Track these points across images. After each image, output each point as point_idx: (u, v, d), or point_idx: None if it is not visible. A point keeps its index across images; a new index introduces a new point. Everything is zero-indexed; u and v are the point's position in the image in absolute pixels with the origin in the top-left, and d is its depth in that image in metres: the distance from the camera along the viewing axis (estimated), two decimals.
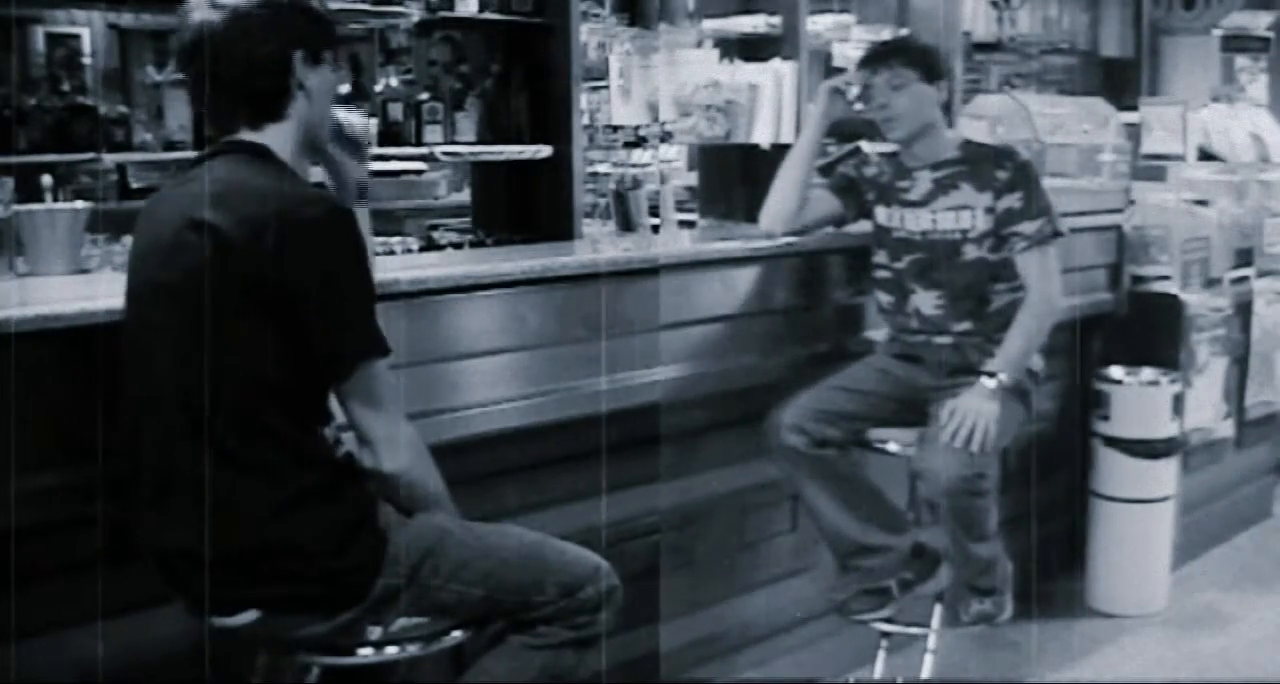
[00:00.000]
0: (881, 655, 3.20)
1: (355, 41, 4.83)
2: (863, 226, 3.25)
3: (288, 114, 1.99)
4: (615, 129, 4.76)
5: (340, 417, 2.02)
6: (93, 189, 4.15)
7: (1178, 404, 4.00)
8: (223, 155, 1.98)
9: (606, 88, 4.88)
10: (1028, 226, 3.02)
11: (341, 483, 1.98)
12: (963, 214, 3.05)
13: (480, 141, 4.41)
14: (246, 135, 1.99)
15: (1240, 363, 4.50)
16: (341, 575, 1.94)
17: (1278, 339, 4.67)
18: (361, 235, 1.94)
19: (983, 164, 3.07)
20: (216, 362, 1.88)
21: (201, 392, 1.89)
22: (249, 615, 1.93)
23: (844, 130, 3.77)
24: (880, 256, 3.16)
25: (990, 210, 3.03)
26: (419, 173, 6.22)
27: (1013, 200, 3.03)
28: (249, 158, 1.97)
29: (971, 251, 3.04)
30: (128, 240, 3.25)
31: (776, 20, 4.73)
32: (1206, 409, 4.33)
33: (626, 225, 4.69)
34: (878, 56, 3.13)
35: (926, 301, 3.08)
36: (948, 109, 3.15)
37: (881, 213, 3.17)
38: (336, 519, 1.94)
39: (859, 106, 3.19)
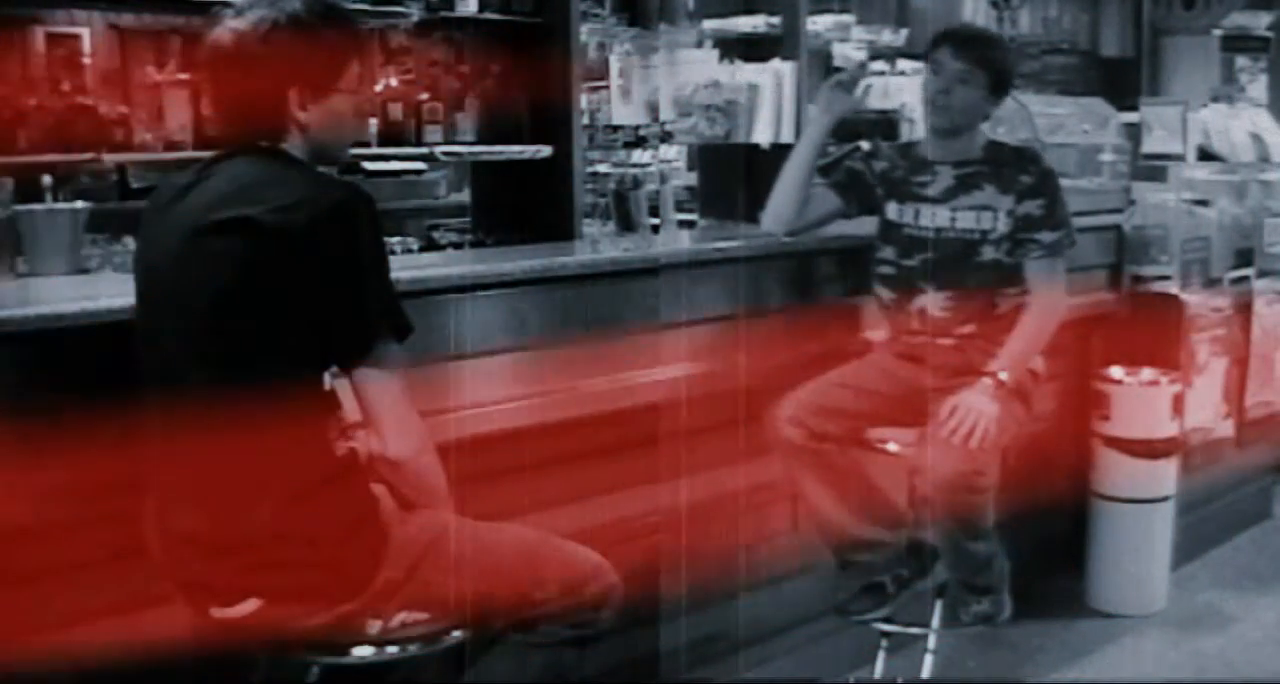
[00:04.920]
0: (881, 655, 3.20)
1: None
2: (861, 224, 3.24)
3: (288, 138, 2.01)
4: (615, 129, 4.75)
5: (344, 415, 2.03)
6: (93, 189, 4.15)
7: (1178, 404, 4.00)
8: (240, 156, 2.00)
9: (606, 88, 4.88)
10: (1047, 236, 3.01)
11: (345, 476, 1.99)
12: (984, 215, 3.04)
13: (480, 141, 4.41)
14: (262, 142, 2.01)
15: (1240, 363, 4.50)
16: (342, 567, 1.94)
17: (1278, 339, 4.67)
18: (382, 221, 1.97)
19: (1006, 166, 3.06)
20: (232, 352, 1.90)
21: (214, 382, 1.90)
22: (249, 605, 1.94)
23: (844, 130, 3.77)
24: (887, 253, 3.15)
25: (1010, 213, 3.02)
26: (419, 173, 6.22)
27: (1033, 207, 3.02)
28: (267, 157, 1.99)
29: (989, 253, 3.03)
30: (128, 240, 3.28)
31: (776, 20, 4.73)
32: (1206, 409, 4.33)
33: (626, 225, 4.68)
34: (968, 43, 3.06)
35: (935, 302, 3.07)
36: (987, 119, 3.14)
37: (892, 208, 3.15)
38: (339, 511, 1.95)
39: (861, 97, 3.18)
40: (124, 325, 2.05)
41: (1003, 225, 3.02)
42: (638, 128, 4.71)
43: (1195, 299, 4.21)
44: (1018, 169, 3.05)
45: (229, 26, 1.96)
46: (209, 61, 2.00)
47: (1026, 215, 3.02)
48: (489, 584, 2.05)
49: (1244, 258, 4.54)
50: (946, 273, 3.05)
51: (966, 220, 3.05)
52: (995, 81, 3.04)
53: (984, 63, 3.02)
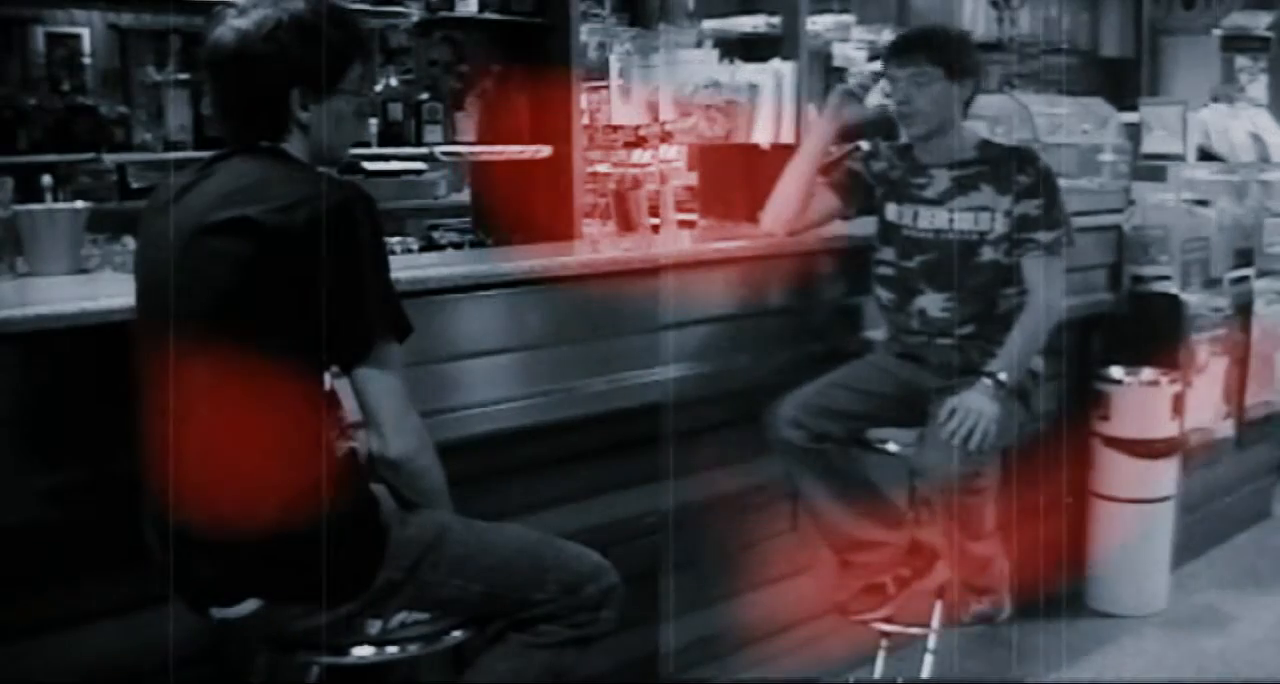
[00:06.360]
0: (881, 655, 3.20)
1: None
2: (863, 225, 3.24)
3: (288, 139, 2.00)
4: (615, 129, 4.75)
5: (344, 415, 2.03)
6: (93, 189, 4.15)
7: (1178, 404, 4.00)
8: (240, 155, 2.00)
9: (606, 88, 4.88)
10: (1044, 235, 3.01)
11: (345, 475, 1.99)
12: (982, 215, 3.03)
13: (480, 141, 4.41)
14: (262, 142, 2.01)
15: (1240, 363, 4.50)
16: (342, 567, 1.94)
17: (1278, 339, 4.67)
18: (382, 221, 1.97)
19: (1003, 166, 3.05)
20: (232, 352, 1.89)
21: (214, 382, 1.90)
22: (249, 606, 1.94)
23: (845, 131, 3.77)
24: (886, 254, 3.15)
25: (1008, 214, 3.02)
26: (419, 173, 6.22)
27: (1030, 207, 3.01)
28: (267, 157, 1.99)
29: (988, 254, 3.03)
30: (128, 240, 3.28)
31: (776, 20, 4.74)
32: (1206, 409, 4.33)
33: (626, 225, 4.68)
34: (905, 47, 3.09)
35: (934, 303, 3.07)
36: (967, 106, 3.12)
37: (892, 209, 3.15)
38: (339, 511, 1.94)
39: (871, 104, 3.18)
40: (124, 325, 2.05)
41: (1000, 226, 3.02)
42: (638, 128, 4.71)
43: (1195, 299, 4.21)
44: (1014, 169, 3.04)
45: (231, 26, 1.96)
46: (210, 61, 1.99)
47: (1024, 215, 3.01)
48: (489, 584, 2.05)
49: (1244, 258, 4.55)
50: (945, 274, 3.05)
51: (965, 222, 3.05)
52: (951, 70, 3.02)
53: (931, 57, 3.02)
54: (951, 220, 3.05)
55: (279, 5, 1.96)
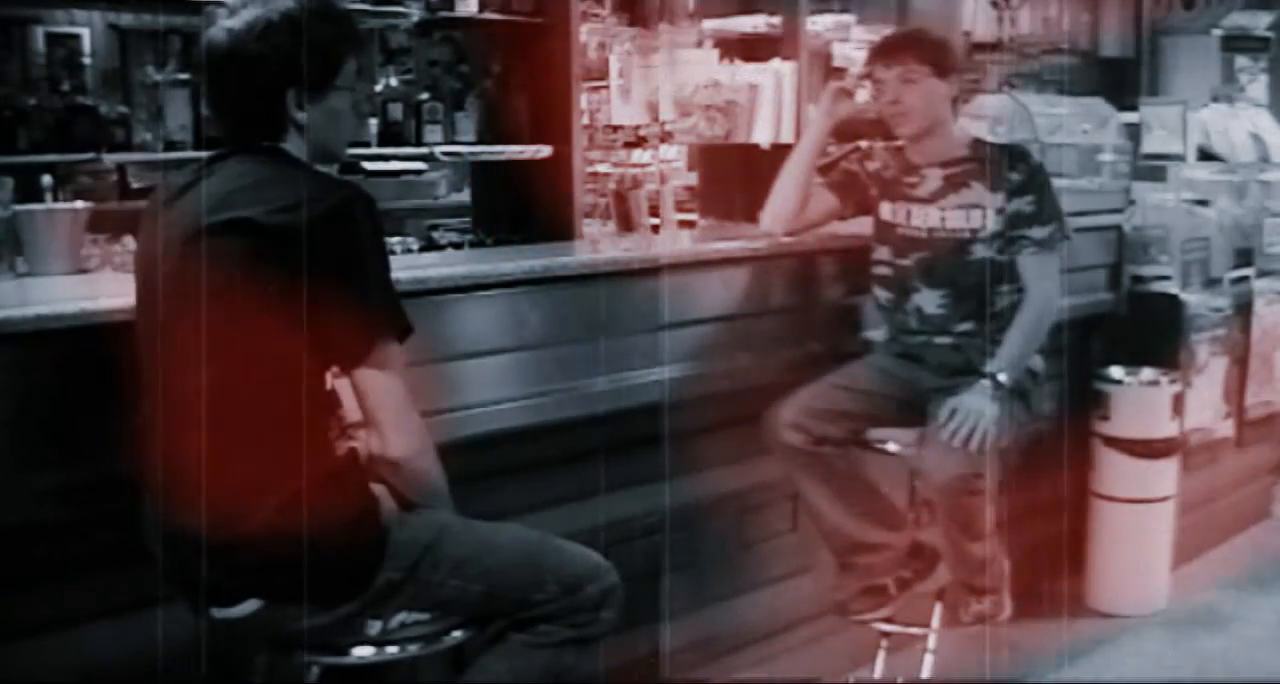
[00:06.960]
0: (881, 655, 3.20)
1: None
2: (861, 224, 3.24)
3: (286, 138, 2.00)
4: (615, 129, 4.76)
5: (344, 415, 2.04)
6: (93, 189, 4.15)
7: (1178, 404, 4.00)
8: (239, 155, 2.00)
9: (606, 88, 4.88)
10: (1038, 231, 3.01)
11: (345, 475, 1.99)
12: (973, 213, 3.04)
13: (480, 141, 4.41)
14: (261, 141, 2.01)
15: (1240, 363, 4.50)
16: (342, 567, 1.94)
17: (1278, 339, 4.67)
18: (382, 221, 1.96)
19: (994, 164, 3.06)
20: (231, 351, 1.89)
21: (214, 382, 1.89)
22: (249, 606, 1.94)
23: (844, 130, 3.77)
24: (882, 253, 3.15)
25: (1001, 211, 3.02)
26: (419, 173, 6.23)
27: (1023, 204, 3.01)
28: (266, 157, 1.99)
29: (980, 251, 3.03)
30: (128, 240, 3.28)
31: (776, 20, 4.74)
32: (1206, 409, 4.33)
33: (626, 225, 4.69)
34: (890, 49, 3.11)
35: (930, 301, 3.07)
36: (956, 104, 3.13)
37: (886, 209, 3.16)
38: (339, 511, 1.94)
39: (864, 101, 3.19)
40: (124, 325, 2.05)
41: (992, 223, 3.02)
42: (638, 128, 4.72)
43: (1195, 299, 4.21)
44: (1006, 166, 3.05)
45: (223, 27, 1.96)
46: (205, 62, 1.99)
47: (1017, 212, 3.02)
48: (489, 584, 2.05)
49: (1244, 258, 4.54)
50: (940, 271, 3.05)
51: (956, 219, 3.05)
52: (938, 68, 3.04)
53: (918, 56, 3.03)
54: (943, 218, 3.06)
55: (269, 4, 1.96)
